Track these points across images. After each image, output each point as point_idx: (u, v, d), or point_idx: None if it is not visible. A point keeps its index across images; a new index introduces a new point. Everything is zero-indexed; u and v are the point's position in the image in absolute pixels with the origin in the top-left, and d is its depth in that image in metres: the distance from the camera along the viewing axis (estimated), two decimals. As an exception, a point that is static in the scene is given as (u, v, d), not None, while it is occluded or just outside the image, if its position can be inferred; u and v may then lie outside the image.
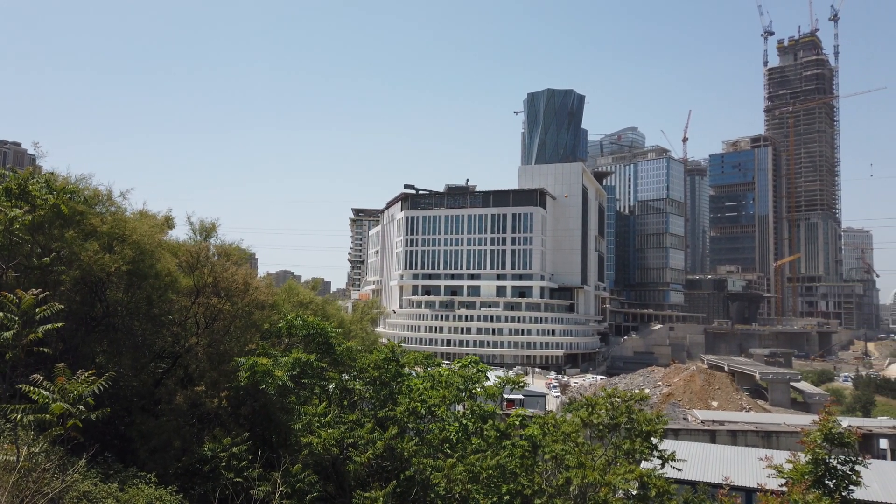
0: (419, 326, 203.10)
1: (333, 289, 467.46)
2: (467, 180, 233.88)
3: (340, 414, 20.68)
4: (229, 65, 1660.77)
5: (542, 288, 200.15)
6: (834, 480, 12.60)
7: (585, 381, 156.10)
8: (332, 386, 22.28)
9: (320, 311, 35.47)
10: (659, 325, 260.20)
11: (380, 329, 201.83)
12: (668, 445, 24.45)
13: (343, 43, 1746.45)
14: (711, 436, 72.00)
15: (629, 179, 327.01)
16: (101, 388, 12.23)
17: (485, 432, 21.64)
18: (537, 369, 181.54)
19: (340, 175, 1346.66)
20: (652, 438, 21.83)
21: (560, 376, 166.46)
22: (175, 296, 22.19)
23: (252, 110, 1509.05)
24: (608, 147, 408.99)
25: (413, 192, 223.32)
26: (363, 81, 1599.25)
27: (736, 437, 72.58)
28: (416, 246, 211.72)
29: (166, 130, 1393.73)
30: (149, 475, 15.74)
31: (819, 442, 12.88)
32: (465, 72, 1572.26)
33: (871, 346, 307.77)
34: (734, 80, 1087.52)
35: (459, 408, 23.66)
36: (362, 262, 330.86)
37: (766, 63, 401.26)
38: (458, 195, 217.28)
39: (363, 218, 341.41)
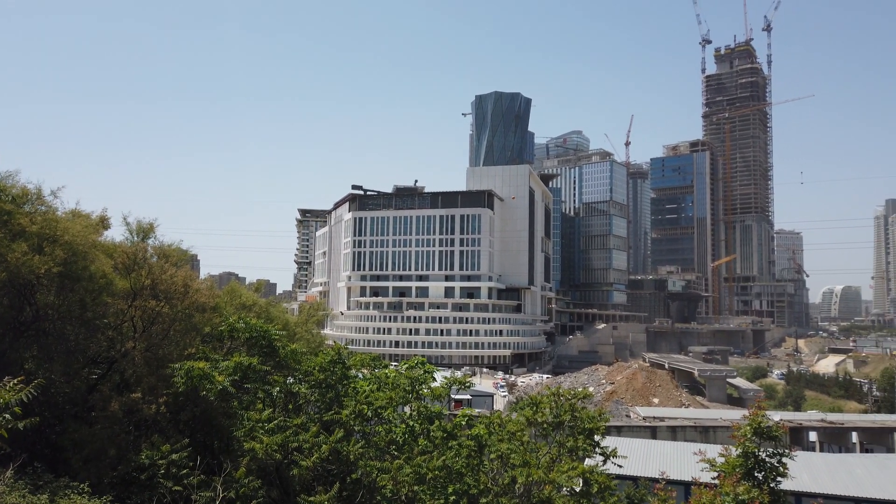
0: (367, 328, 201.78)
1: (279, 290, 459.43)
2: (416, 181, 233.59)
3: (285, 418, 20.34)
4: (170, 62, 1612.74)
5: (489, 289, 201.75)
6: (763, 472, 13.19)
7: (532, 381, 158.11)
8: (276, 390, 21.89)
9: (264, 314, 34.79)
10: (603, 325, 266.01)
11: (327, 331, 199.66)
12: (610, 442, 25.02)
13: (289, 43, 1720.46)
14: (652, 432, 73.99)
15: (574, 182, 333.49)
16: (30, 395, 11.69)
17: (431, 433, 21.60)
18: (485, 369, 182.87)
19: (287, 175, 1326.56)
20: (595, 436, 22.23)
21: (507, 376, 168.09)
22: (110, 299, 21.40)
23: (193, 109, 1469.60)
24: (554, 150, 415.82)
25: (361, 192, 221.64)
26: (310, 81, 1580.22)
27: (675, 432, 74.79)
28: (364, 247, 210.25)
29: (99, 129, 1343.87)
30: (82, 485, 15.16)
31: (749, 436, 13.47)
32: (414, 73, 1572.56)
33: (801, 343, 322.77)
34: (675, 87, 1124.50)
35: (406, 409, 23.59)
36: (309, 263, 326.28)
37: (703, 70, 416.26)
38: (407, 196, 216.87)
39: (310, 219, 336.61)
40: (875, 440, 79.31)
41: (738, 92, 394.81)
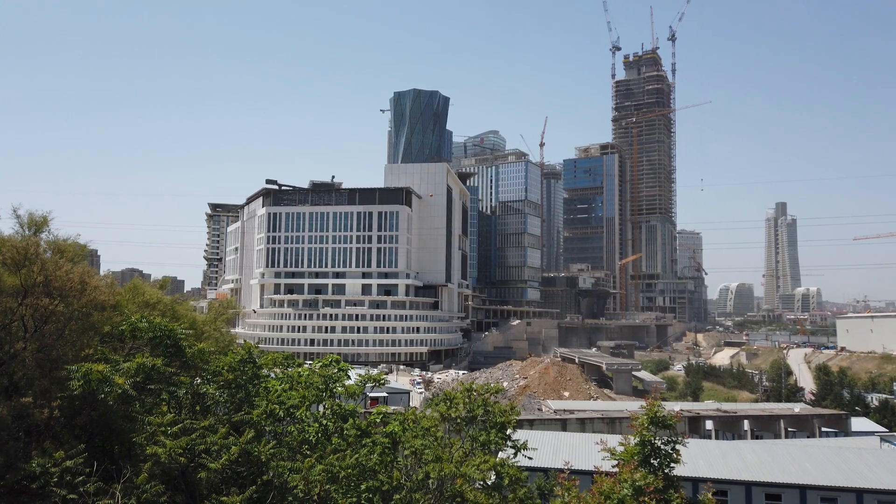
0: (281, 326, 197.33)
1: (187, 288, 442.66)
2: (332, 177, 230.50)
3: (191, 420, 19.67)
4: (74, 45, 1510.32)
5: (407, 286, 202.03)
6: (658, 459, 14.06)
7: (448, 377, 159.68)
8: (182, 391, 21.13)
9: (169, 312, 33.42)
10: (517, 321, 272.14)
11: (238, 330, 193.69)
12: (522, 435, 25.75)
13: (201, 31, 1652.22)
14: (563, 424, 76.31)
15: (491, 181, 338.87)
16: None
17: (345, 431, 21.50)
18: (402, 366, 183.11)
19: (196, 167, 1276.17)
20: (506, 429, 22.79)
21: (424, 373, 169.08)
22: (-3, 297, 19.97)
23: (91, 95, 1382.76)
24: (471, 149, 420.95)
25: (276, 187, 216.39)
26: (223, 72, 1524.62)
27: (584, 424, 77.50)
28: (279, 243, 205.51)
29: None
30: (-36, 497, 14.12)
31: (646, 425, 14.31)
32: (331, 68, 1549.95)
33: (700, 337, 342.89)
34: (588, 90, 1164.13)
35: (320, 408, 23.35)
36: (220, 259, 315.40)
37: (613, 76, 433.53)
38: (324, 192, 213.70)
39: (221, 213, 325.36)
40: (764, 427, 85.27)
41: (644, 97, 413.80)
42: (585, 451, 46.00)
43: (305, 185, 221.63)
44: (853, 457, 48.99)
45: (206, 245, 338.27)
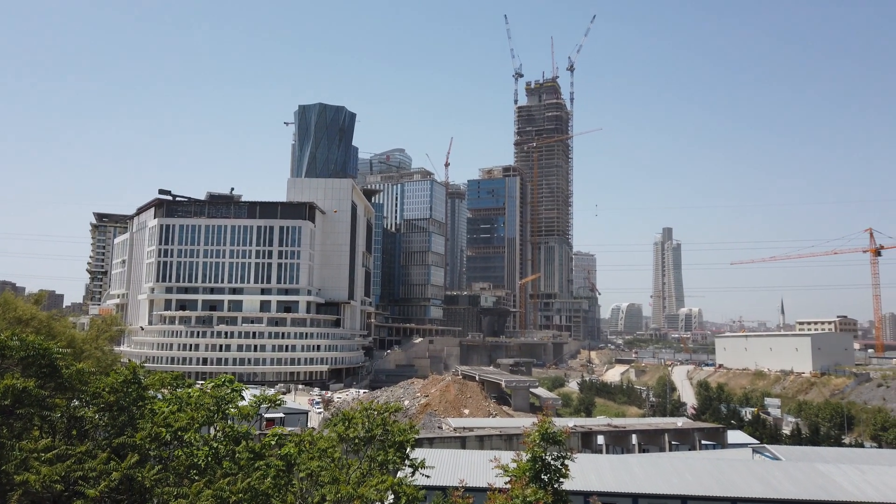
0: (171, 344, 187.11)
1: (67, 303, 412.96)
2: (232, 189, 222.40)
3: (67, 446, 18.32)
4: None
5: (308, 303, 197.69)
6: (549, 475, 14.59)
7: (349, 396, 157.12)
8: (56, 415, 19.65)
9: (45, 329, 31.05)
10: (420, 339, 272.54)
11: (124, 348, 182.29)
12: (422, 454, 25.82)
13: (95, 24, 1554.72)
14: (462, 442, 77.06)
15: (396, 198, 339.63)
16: None
17: (237, 454, 20.77)
18: (301, 386, 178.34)
19: (81, 174, 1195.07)
20: (405, 448, 22.81)
21: (323, 392, 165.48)
22: None
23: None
24: (377, 166, 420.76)
25: (169, 198, 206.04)
26: (114, 71, 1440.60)
27: (483, 441, 78.58)
28: (172, 257, 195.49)
29: None
30: None
31: (537, 441, 14.83)
32: (233, 76, 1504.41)
33: (593, 354, 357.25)
34: (492, 113, 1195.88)
35: (211, 430, 22.43)
36: (105, 273, 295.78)
37: (516, 101, 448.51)
38: (222, 205, 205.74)
39: (108, 224, 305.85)
40: (651, 441, 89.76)
41: (545, 124, 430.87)
42: (482, 468, 46.55)
43: (202, 197, 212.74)
44: (728, 468, 52.50)
45: (90, 257, 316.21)
